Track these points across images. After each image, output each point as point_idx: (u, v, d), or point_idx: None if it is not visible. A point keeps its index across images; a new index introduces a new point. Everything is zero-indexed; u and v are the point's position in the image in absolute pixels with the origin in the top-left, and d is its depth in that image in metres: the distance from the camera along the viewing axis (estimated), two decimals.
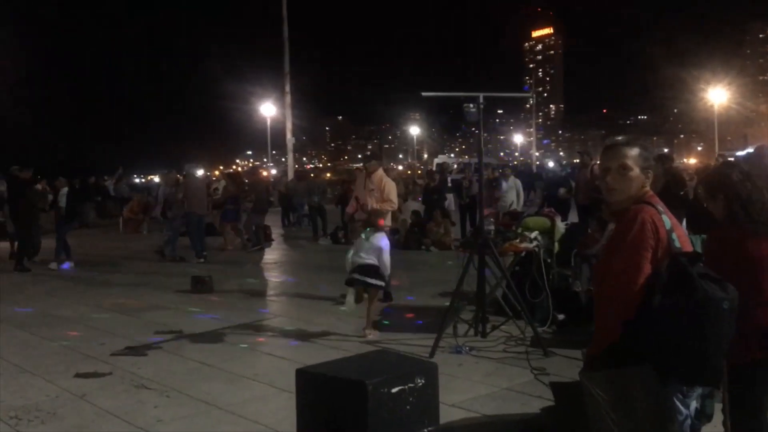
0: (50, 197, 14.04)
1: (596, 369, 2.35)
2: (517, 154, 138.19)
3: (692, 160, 64.46)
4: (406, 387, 2.93)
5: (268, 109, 40.36)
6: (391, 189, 7.81)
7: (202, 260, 12.08)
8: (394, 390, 2.89)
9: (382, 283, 6.55)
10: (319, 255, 13.16)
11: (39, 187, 13.59)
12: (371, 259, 6.38)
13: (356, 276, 6.36)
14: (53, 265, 11.69)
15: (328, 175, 78.74)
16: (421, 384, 3.01)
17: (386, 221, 7.60)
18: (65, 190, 14.82)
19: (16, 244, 12.57)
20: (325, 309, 7.80)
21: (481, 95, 5.62)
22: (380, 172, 8.02)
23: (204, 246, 12.59)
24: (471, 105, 5.67)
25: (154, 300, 8.60)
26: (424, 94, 6.15)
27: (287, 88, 28.49)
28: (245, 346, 6.29)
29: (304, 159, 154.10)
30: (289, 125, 28.93)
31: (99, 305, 8.33)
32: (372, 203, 7.56)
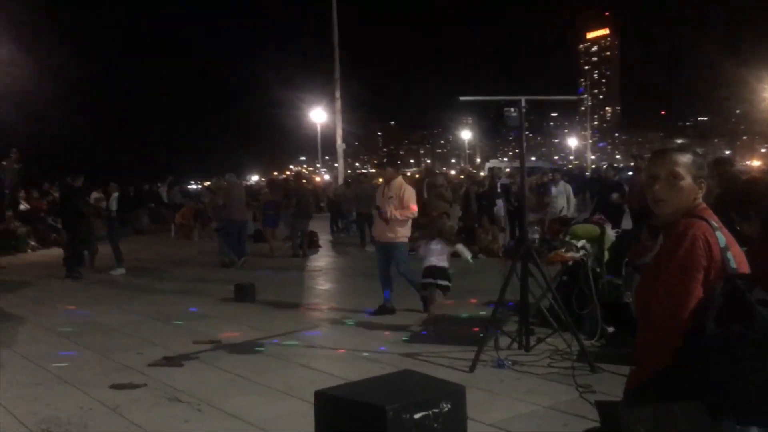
0: (104, 204, 14.22)
1: (638, 403, 2.09)
2: (572, 157, 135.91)
3: (756, 162, 62.05)
4: (430, 413, 2.72)
5: (318, 115, 40.49)
6: (410, 196, 7.64)
7: (239, 267, 12.21)
8: (417, 416, 2.68)
9: (449, 283, 7.23)
10: (364, 262, 12.99)
11: (95, 195, 13.79)
12: (442, 263, 7.19)
13: (430, 280, 7.12)
14: (114, 272, 11.89)
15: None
16: (447, 409, 2.79)
17: (405, 229, 7.54)
18: (116, 195, 15.01)
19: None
20: (367, 319, 7.64)
21: (523, 99, 5.36)
22: (399, 179, 7.87)
23: (244, 252, 12.66)
24: (512, 109, 5.43)
25: (197, 308, 8.58)
26: (462, 99, 5.92)
27: (337, 93, 28.49)
28: (282, 358, 6.16)
29: (357, 164, 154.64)
30: (339, 131, 28.92)
31: (142, 313, 8.34)
32: (391, 211, 7.43)
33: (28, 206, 17.54)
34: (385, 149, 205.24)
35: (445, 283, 7.15)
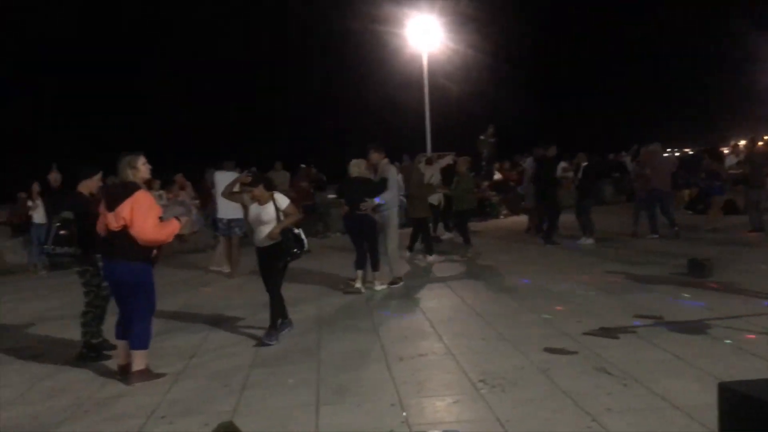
0: (570, 174, 14.46)
1: None
2: None
3: None
4: None
5: None
6: None
7: (673, 235, 11.98)
8: None
9: None
10: None
11: (563, 164, 14.23)
12: None
13: None
14: (582, 241, 12.23)
15: None
16: None
17: None
18: (583, 165, 15.24)
19: (541, 220, 13.71)
20: None
21: None
22: None
23: (672, 221, 12.36)
24: None
25: (644, 281, 8.29)
26: None
27: None
28: (729, 342, 5.56)
29: None
30: None
31: (590, 283, 8.41)
32: None
33: (500, 176, 19.23)
34: None
35: None
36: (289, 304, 6.70)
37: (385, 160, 9.05)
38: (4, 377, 5.89)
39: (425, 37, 21.28)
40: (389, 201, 8.87)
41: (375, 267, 8.82)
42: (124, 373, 5.48)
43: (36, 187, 12.51)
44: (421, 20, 21.15)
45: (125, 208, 5.18)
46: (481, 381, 4.94)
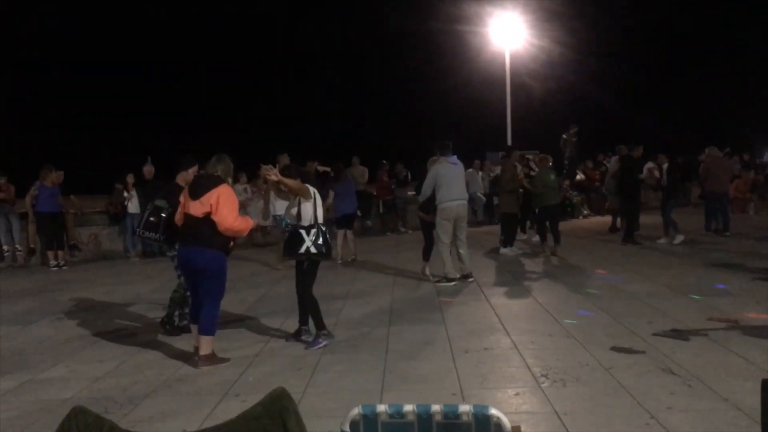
0: (656, 173, 14.10)
1: None
2: None
3: None
4: None
5: None
6: None
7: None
8: None
9: None
10: None
11: (649, 165, 13.92)
12: None
13: None
14: (662, 240, 12.15)
15: None
16: None
17: None
18: (665, 165, 14.86)
19: (620, 220, 13.56)
20: None
21: None
22: None
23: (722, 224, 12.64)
24: None
25: (725, 284, 8.09)
26: None
27: None
28: None
29: None
30: None
31: (666, 285, 8.28)
32: None
33: (582, 176, 18.90)
34: None
35: None
36: (362, 296, 6.91)
37: (432, 159, 9.24)
38: (99, 352, 6.39)
39: (508, 35, 21.16)
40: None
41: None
42: (195, 358, 5.83)
43: (131, 179, 13.27)
44: (504, 18, 21.04)
45: (212, 196, 5.54)
46: (543, 376, 5.02)
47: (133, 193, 13.21)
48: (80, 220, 14.26)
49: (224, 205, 5.54)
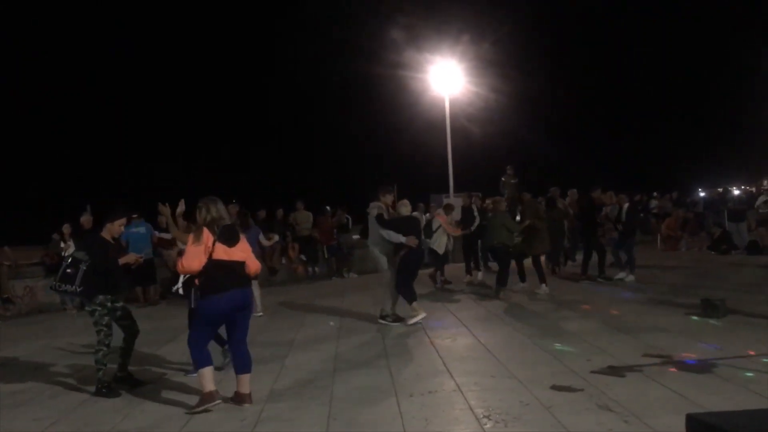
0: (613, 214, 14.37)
1: None
2: None
3: None
4: None
5: None
6: None
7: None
8: None
9: None
10: None
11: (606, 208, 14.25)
12: None
13: None
14: (620, 275, 12.51)
15: None
16: None
17: None
18: (626, 206, 15.09)
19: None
20: None
21: None
22: None
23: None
24: None
25: (658, 320, 8.40)
26: None
27: None
28: (735, 381, 5.64)
29: None
30: None
31: (604, 321, 8.54)
32: None
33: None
34: None
35: None
36: (308, 342, 6.92)
37: (374, 204, 9.51)
38: (36, 410, 6.17)
39: (447, 81, 21.72)
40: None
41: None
42: (244, 401, 5.79)
43: (67, 229, 12.99)
44: (443, 65, 21.62)
45: (244, 242, 5.93)
46: (485, 417, 5.10)
47: (71, 243, 12.88)
48: (14, 273, 13.83)
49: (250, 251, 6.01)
